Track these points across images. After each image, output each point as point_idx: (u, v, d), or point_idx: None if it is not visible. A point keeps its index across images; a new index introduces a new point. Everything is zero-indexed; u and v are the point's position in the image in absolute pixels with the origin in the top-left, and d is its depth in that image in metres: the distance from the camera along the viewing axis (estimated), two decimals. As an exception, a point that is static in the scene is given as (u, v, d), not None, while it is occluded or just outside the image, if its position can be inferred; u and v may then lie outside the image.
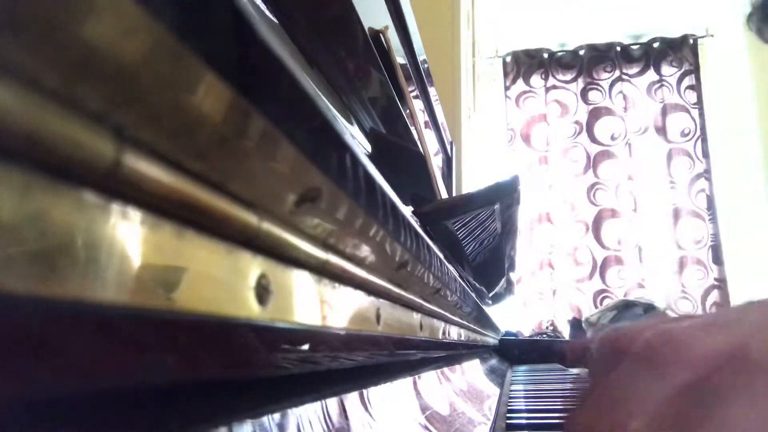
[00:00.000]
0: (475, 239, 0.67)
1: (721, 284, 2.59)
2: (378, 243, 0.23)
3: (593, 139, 2.76)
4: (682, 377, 0.20)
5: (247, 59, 0.12)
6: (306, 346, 0.18)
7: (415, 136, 0.71)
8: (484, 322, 0.93)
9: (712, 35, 2.75)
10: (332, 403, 0.22)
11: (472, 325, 0.74)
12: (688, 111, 2.73)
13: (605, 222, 2.70)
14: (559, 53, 2.84)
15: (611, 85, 2.79)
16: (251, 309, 0.14)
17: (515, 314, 2.52)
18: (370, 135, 0.62)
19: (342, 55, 0.56)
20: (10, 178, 0.08)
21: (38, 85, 0.08)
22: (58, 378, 0.09)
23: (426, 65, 0.99)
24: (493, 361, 1.07)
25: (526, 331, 2.50)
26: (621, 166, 2.72)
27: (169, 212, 0.11)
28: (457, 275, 0.46)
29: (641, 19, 2.77)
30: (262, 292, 0.15)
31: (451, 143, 1.44)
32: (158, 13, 0.09)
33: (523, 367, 1.24)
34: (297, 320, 0.17)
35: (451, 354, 0.57)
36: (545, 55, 2.84)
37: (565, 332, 2.40)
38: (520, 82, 2.84)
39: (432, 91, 1.05)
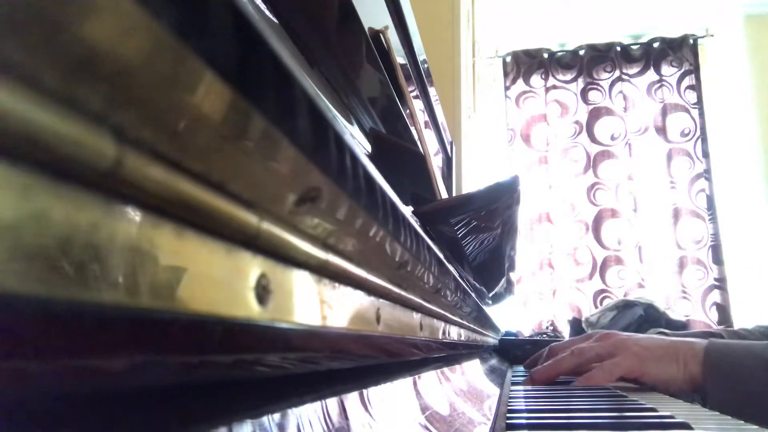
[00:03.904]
0: (475, 239, 0.67)
1: (721, 284, 2.59)
2: (378, 243, 0.23)
3: (593, 139, 2.76)
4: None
5: (247, 59, 0.12)
6: (306, 346, 0.18)
7: (415, 136, 0.71)
8: (484, 322, 0.93)
9: (712, 35, 2.75)
10: (332, 403, 0.22)
11: (472, 325, 0.74)
12: (688, 111, 2.73)
13: (605, 222, 2.70)
14: (559, 53, 2.84)
15: (611, 85, 2.79)
16: (251, 309, 0.14)
17: (515, 314, 2.52)
18: (370, 135, 0.62)
19: (342, 55, 0.56)
20: (10, 178, 0.08)
21: (38, 85, 0.08)
22: (58, 378, 0.09)
23: (426, 65, 0.99)
24: (493, 361, 1.07)
25: (526, 331, 2.50)
26: (621, 166, 2.72)
27: (169, 212, 0.11)
28: (457, 275, 0.46)
29: (641, 19, 2.77)
30: (262, 292, 0.15)
31: (451, 143, 1.44)
32: (158, 13, 0.09)
33: (523, 367, 1.24)
34: (297, 320, 0.17)
35: (451, 354, 0.57)
36: (545, 55, 2.84)
37: (565, 332, 2.40)
38: (520, 82, 2.84)
39: (432, 91, 1.05)
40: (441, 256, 0.36)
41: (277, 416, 0.17)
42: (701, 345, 0.81)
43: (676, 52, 2.76)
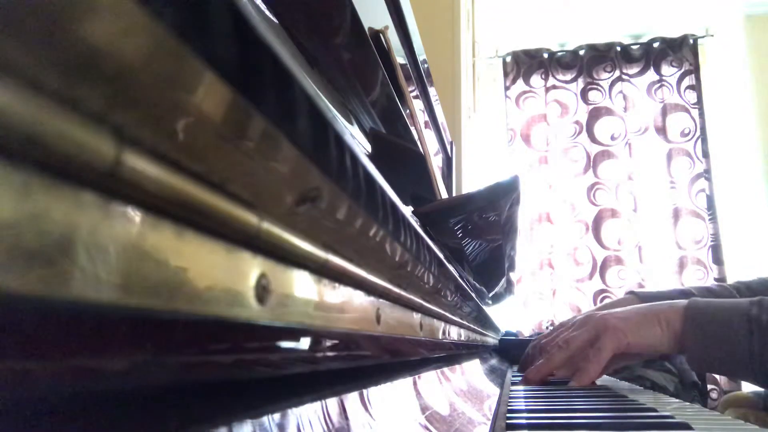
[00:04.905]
0: (475, 239, 0.67)
1: (721, 284, 2.58)
2: (378, 243, 0.23)
3: (593, 139, 2.76)
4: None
5: (247, 59, 0.12)
6: (306, 346, 0.18)
7: (415, 136, 0.71)
8: (484, 322, 0.93)
9: (712, 35, 2.75)
10: (332, 403, 0.22)
11: (472, 325, 0.74)
12: (688, 111, 2.73)
13: (605, 222, 2.70)
14: (559, 53, 2.84)
15: (611, 85, 2.79)
16: (251, 309, 0.14)
17: (515, 314, 2.52)
18: (370, 135, 0.62)
19: (342, 55, 0.56)
20: (10, 178, 0.08)
21: (38, 85, 0.08)
22: (58, 378, 0.09)
23: (426, 65, 0.99)
24: (493, 361, 1.07)
25: (526, 331, 2.50)
26: (621, 166, 2.72)
27: (169, 212, 0.11)
28: (457, 275, 0.46)
29: (641, 19, 2.77)
30: (262, 292, 0.15)
31: (451, 143, 1.44)
32: (158, 13, 0.09)
33: (517, 371, 1.24)
34: (297, 320, 0.17)
35: (451, 354, 0.57)
36: (545, 55, 2.84)
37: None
38: (520, 82, 2.84)
39: (432, 91, 1.05)
40: (441, 256, 0.36)
41: (277, 416, 0.17)
42: (682, 304, 0.81)
43: (676, 52, 2.76)
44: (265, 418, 0.16)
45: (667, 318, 0.80)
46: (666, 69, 2.78)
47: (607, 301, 1.19)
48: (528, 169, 2.75)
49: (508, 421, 0.48)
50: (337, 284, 0.21)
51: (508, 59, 2.85)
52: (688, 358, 0.79)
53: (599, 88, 2.80)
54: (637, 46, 2.80)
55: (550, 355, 0.87)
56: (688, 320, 0.78)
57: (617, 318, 0.83)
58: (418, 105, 0.93)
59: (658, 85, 2.77)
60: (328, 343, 0.20)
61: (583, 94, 2.80)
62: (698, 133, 2.70)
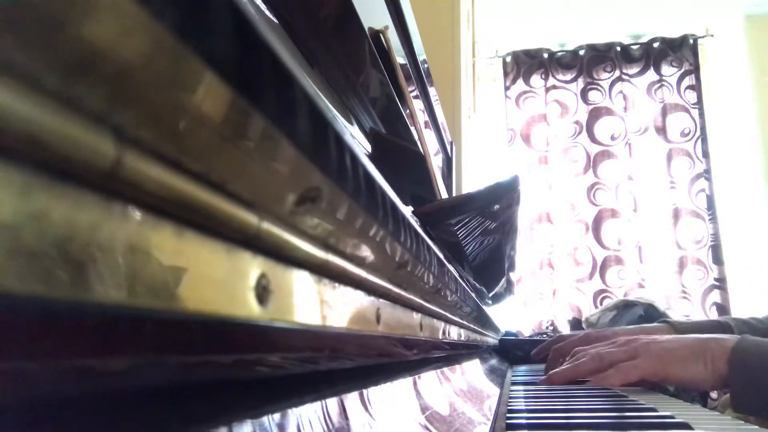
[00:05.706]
0: (475, 239, 0.67)
1: (721, 284, 2.59)
2: (378, 243, 0.23)
3: (593, 139, 2.76)
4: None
5: (247, 59, 0.12)
6: (306, 346, 0.18)
7: (415, 136, 0.71)
8: (484, 322, 0.93)
9: (712, 35, 2.75)
10: (332, 403, 0.22)
11: (472, 325, 0.74)
12: (688, 111, 2.73)
13: (605, 222, 2.70)
14: (559, 53, 2.84)
15: (611, 85, 2.78)
16: (251, 309, 0.14)
17: (515, 314, 2.52)
18: (370, 135, 0.62)
19: (342, 55, 0.56)
20: (10, 178, 0.08)
21: (38, 85, 0.08)
22: (58, 378, 0.09)
23: (426, 65, 0.99)
24: (493, 361, 1.07)
25: (526, 331, 2.50)
26: (621, 166, 2.72)
27: (169, 212, 0.11)
28: (457, 275, 0.46)
29: (641, 19, 2.77)
30: (262, 292, 0.15)
31: (451, 143, 1.44)
32: (158, 13, 0.09)
33: (523, 367, 1.24)
34: (297, 320, 0.17)
35: (451, 354, 0.57)
36: (545, 55, 2.84)
37: (565, 332, 2.40)
38: (520, 82, 2.83)
39: (432, 91, 1.05)
40: (441, 256, 0.36)
41: (277, 416, 0.17)
42: (731, 342, 0.77)
43: (676, 52, 2.76)
44: (265, 418, 0.16)
45: (713, 355, 0.76)
46: (666, 69, 2.78)
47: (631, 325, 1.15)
48: (528, 169, 2.75)
49: (508, 421, 0.48)
50: (337, 284, 0.21)
51: (508, 59, 2.85)
52: (733, 401, 0.75)
53: (599, 88, 2.80)
54: (637, 46, 2.80)
55: (581, 362, 0.85)
56: (735, 362, 0.74)
57: (662, 348, 0.80)
58: (418, 105, 0.93)
59: (658, 85, 2.77)
60: (328, 343, 0.20)
61: (583, 94, 2.80)
62: (698, 133, 2.70)
